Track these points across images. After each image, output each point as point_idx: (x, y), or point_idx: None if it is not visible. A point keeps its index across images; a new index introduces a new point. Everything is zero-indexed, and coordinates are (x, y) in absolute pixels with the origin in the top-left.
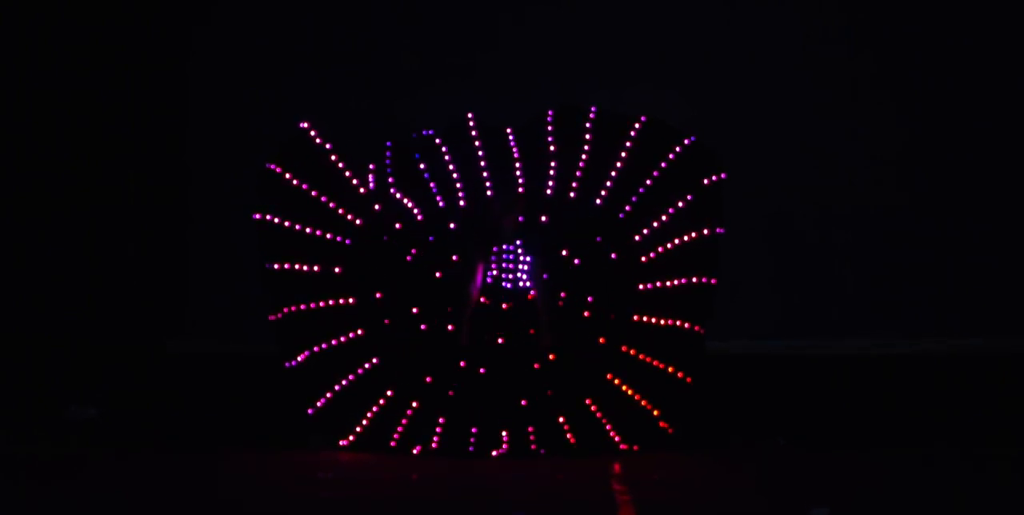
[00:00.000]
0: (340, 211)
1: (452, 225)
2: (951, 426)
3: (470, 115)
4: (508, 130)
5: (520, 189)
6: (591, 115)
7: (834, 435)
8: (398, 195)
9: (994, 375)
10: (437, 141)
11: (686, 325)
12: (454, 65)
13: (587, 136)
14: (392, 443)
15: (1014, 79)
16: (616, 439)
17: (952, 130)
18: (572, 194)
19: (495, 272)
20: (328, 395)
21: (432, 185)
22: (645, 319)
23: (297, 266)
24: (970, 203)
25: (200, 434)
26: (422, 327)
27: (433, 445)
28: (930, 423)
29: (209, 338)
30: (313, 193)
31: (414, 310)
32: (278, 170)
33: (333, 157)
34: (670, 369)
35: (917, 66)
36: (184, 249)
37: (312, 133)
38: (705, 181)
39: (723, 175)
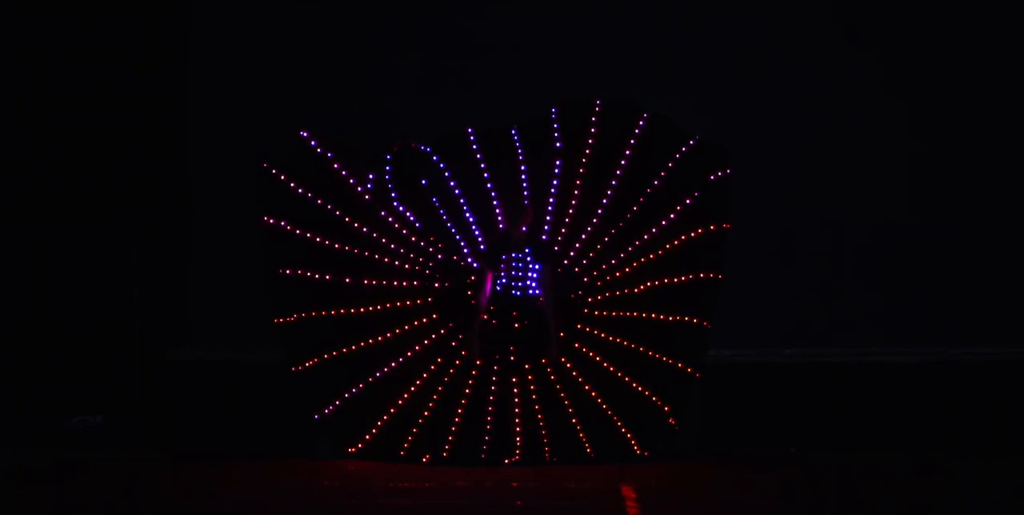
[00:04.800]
0: (347, 219)
1: (459, 239)
2: (964, 433)
3: (470, 129)
4: (512, 130)
5: (526, 200)
6: (594, 117)
7: (845, 443)
8: (400, 208)
9: (1006, 383)
10: (436, 157)
11: (694, 320)
12: (453, 67)
13: (590, 140)
14: (402, 452)
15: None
16: (628, 435)
17: (960, 138)
18: (574, 202)
19: (504, 280)
20: (337, 402)
21: (435, 199)
22: (654, 316)
23: (304, 272)
24: (979, 213)
25: (205, 442)
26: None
27: (444, 453)
28: (942, 430)
29: (212, 345)
30: (319, 201)
31: (427, 319)
32: (283, 177)
33: (335, 165)
34: (680, 365)
35: (922, 70)
36: (186, 256)
37: (312, 143)
38: (711, 177)
39: (728, 170)
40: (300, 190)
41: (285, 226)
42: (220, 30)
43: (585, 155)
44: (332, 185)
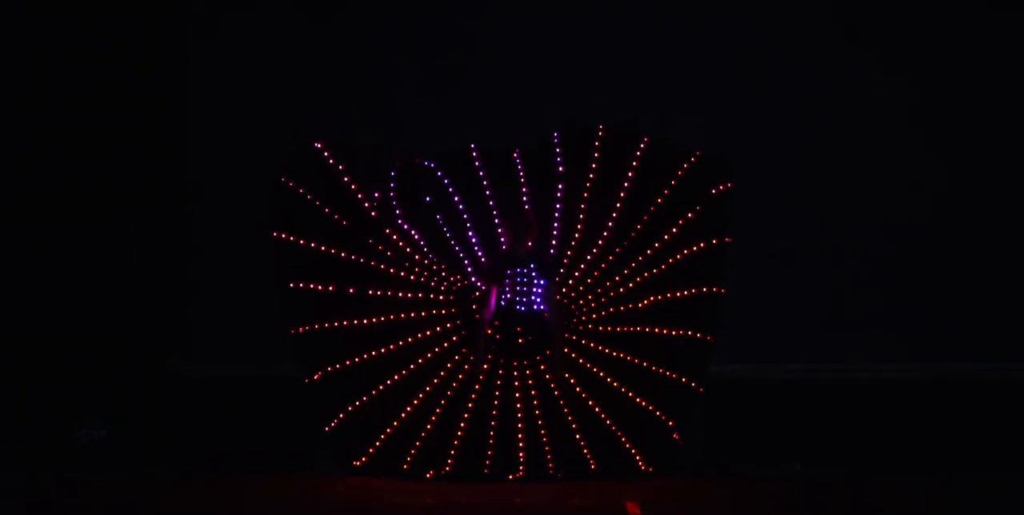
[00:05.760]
0: (355, 231)
1: (462, 255)
2: (968, 450)
3: (473, 146)
4: (515, 154)
5: (530, 217)
6: (596, 142)
7: (848, 459)
8: (405, 226)
9: (1011, 399)
10: (440, 173)
11: (696, 335)
12: (453, 67)
13: (593, 164)
14: (405, 465)
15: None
16: (632, 451)
17: (960, 137)
18: (579, 225)
19: (509, 295)
20: (340, 415)
21: (439, 217)
22: (657, 331)
23: (316, 284)
24: (979, 213)
25: (205, 454)
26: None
27: (447, 468)
28: (946, 447)
29: (212, 348)
30: (326, 210)
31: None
32: (300, 190)
33: (346, 178)
34: (683, 379)
35: (922, 70)
36: (186, 257)
37: (326, 154)
38: (713, 191)
39: (730, 184)
40: (317, 203)
41: (299, 239)
42: (220, 30)
43: (588, 179)
44: (343, 197)
